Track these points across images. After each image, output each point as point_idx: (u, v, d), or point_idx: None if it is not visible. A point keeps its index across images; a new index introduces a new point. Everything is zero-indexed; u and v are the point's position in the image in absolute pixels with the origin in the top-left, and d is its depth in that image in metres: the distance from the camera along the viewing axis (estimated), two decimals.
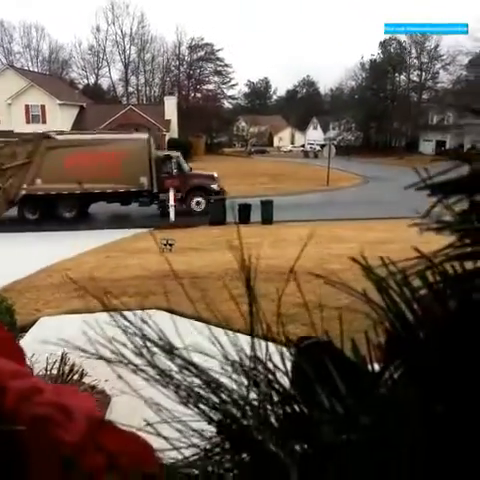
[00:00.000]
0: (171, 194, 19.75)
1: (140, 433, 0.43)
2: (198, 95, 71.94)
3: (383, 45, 66.41)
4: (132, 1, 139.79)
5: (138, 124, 49.50)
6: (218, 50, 72.02)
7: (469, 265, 0.37)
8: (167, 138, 50.69)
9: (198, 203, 21.62)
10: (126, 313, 0.51)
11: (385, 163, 51.31)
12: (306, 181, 33.23)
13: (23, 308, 8.33)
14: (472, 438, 0.35)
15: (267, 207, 19.80)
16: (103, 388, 5.32)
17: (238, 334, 0.54)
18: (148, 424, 0.43)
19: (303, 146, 76.95)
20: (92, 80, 75.47)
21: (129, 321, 0.51)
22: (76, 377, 5.22)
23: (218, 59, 72.47)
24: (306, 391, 0.42)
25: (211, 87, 73.31)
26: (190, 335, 0.78)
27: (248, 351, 0.46)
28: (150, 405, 0.43)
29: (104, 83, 76.52)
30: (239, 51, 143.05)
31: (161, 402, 0.50)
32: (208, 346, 0.51)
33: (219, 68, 72.94)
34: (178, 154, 23.35)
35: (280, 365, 0.43)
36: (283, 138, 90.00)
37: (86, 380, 5.27)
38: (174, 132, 52.97)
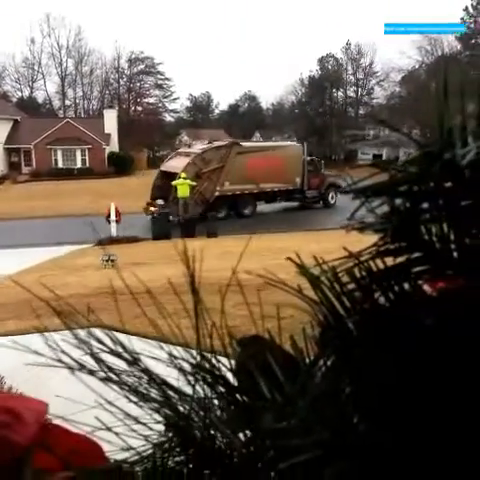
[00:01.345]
0: (112, 209, 19.40)
1: (89, 434, 0.44)
2: (139, 108, 71.25)
3: (321, 62, 68.72)
4: (68, 13, 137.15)
5: (76, 138, 48.33)
6: (158, 64, 71.70)
7: (390, 261, 0.42)
8: (107, 152, 49.82)
9: (332, 197, 26.70)
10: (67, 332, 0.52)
11: None
12: None
13: None
14: (404, 417, 0.39)
15: (211, 220, 19.85)
16: None
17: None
18: (101, 424, 0.44)
19: None
20: (26, 93, 73.02)
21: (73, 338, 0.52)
22: None
23: (159, 73, 72.15)
24: (249, 383, 0.45)
25: (152, 100, 72.84)
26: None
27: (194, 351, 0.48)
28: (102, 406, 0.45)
29: (39, 96, 74.07)
30: (180, 65, 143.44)
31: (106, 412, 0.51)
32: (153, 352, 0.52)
33: (160, 81, 72.63)
34: (319, 159, 28.55)
35: (225, 361, 0.46)
36: None
37: None
38: (114, 146, 52.12)
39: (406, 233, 0.41)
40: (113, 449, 0.45)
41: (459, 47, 56.23)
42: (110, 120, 52.39)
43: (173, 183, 21.87)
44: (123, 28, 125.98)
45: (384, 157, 58.91)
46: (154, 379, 0.44)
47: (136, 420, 0.45)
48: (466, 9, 55.11)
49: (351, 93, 68.85)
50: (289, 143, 28.99)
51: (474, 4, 54.74)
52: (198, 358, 0.44)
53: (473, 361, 0.38)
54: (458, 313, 0.40)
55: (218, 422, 0.44)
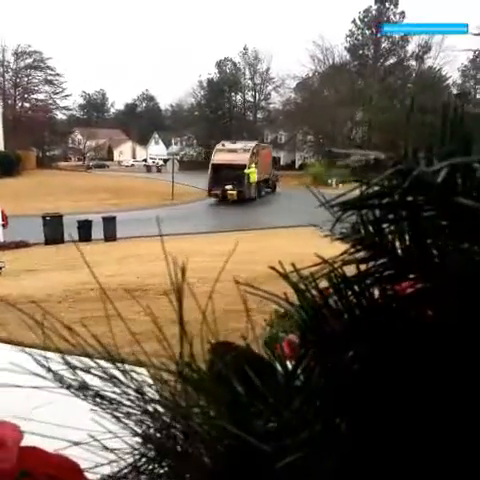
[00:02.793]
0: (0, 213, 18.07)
1: (67, 455, 0.42)
2: (26, 105, 66.80)
3: (219, 65, 69.51)
4: None
5: None
6: (47, 58, 67.56)
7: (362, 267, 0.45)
8: None
9: (277, 186, 40.81)
10: None
11: None
12: (150, 196, 33.01)
13: None
14: (382, 415, 0.43)
15: (109, 223, 19.25)
16: None
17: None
18: (75, 444, 0.43)
19: (145, 160, 76.31)
20: None
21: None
22: None
23: (48, 67, 67.84)
24: (226, 389, 0.46)
25: (41, 97, 68.39)
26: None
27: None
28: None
29: None
30: (72, 61, 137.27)
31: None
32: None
33: (50, 77, 68.38)
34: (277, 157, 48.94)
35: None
36: (124, 152, 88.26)
37: None
38: None
39: (373, 241, 0.45)
40: (90, 465, 0.44)
41: (348, 57, 59.94)
42: None
43: (246, 171, 32.94)
44: (8, 21, 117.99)
45: (282, 160, 61.25)
46: (137, 392, 0.44)
47: (115, 434, 0.44)
48: (354, 21, 58.88)
49: (249, 97, 70.44)
50: (268, 144, 44.61)
51: (361, 17, 58.60)
52: (181, 367, 0.44)
53: (438, 355, 0.42)
54: (420, 314, 0.45)
55: (200, 430, 0.44)
